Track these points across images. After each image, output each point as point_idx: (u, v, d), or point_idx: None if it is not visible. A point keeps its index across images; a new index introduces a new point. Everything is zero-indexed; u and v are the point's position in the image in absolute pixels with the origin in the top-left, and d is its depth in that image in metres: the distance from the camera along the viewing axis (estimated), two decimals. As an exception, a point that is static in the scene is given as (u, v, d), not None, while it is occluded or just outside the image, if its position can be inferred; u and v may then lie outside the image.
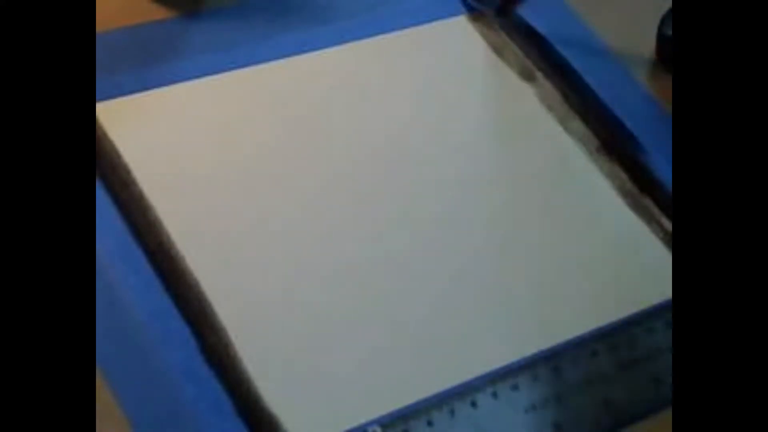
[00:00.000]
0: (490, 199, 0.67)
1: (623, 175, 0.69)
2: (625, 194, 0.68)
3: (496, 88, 0.72)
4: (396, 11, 0.74)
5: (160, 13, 0.70)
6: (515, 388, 0.59)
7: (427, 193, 0.66)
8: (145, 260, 0.60)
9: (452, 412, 0.58)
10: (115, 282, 0.59)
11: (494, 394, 0.58)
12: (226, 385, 0.57)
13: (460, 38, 0.74)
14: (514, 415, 0.58)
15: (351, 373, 0.58)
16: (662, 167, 0.69)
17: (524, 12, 0.75)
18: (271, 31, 0.71)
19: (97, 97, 0.64)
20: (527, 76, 0.73)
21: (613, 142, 0.70)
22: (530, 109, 0.71)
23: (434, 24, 0.74)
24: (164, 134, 0.65)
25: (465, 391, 0.58)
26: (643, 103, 0.73)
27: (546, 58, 0.73)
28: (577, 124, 0.71)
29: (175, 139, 0.65)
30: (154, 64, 0.68)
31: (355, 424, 0.57)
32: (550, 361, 0.60)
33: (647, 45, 0.75)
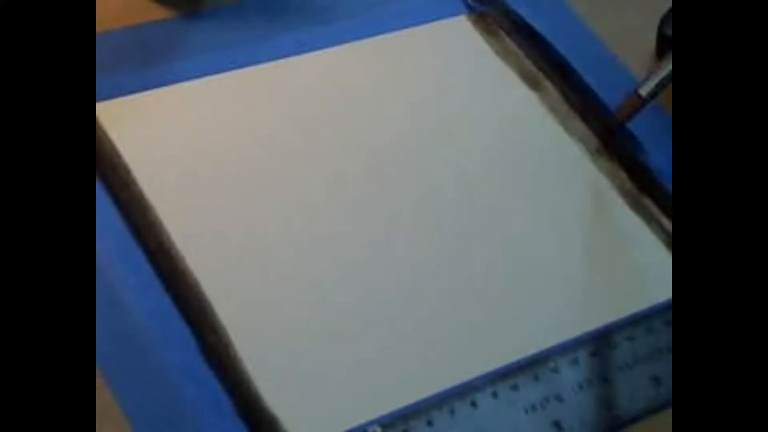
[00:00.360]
0: (489, 198, 0.67)
1: (623, 175, 0.69)
2: (625, 194, 0.68)
3: (496, 88, 0.72)
4: (396, 11, 0.74)
5: (160, 13, 0.70)
6: (515, 388, 0.59)
7: (427, 193, 0.66)
8: (145, 260, 0.60)
9: (452, 412, 0.58)
10: (115, 282, 0.59)
11: (494, 394, 0.58)
12: (226, 385, 0.57)
13: (461, 38, 0.74)
14: (514, 415, 0.58)
15: (351, 373, 0.58)
16: (662, 167, 0.69)
17: (525, 12, 0.75)
18: (270, 31, 0.71)
19: (97, 97, 0.64)
20: (527, 77, 0.73)
21: (613, 142, 0.70)
22: (530, 109, 0.71)
23: (434, 24, 0.74)
24: (164, 134, 0.65)
25: (465, 391, 0.58)
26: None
27: (546, 58, 0.73)
28: (577, 124, 0.71)
29: (175, 139, 0.65)
30: (155, 64, 0.68)
31: (355, 424, 0.57)
32: (549, 361, 0.60)
33: (647, 45, 0.75)
